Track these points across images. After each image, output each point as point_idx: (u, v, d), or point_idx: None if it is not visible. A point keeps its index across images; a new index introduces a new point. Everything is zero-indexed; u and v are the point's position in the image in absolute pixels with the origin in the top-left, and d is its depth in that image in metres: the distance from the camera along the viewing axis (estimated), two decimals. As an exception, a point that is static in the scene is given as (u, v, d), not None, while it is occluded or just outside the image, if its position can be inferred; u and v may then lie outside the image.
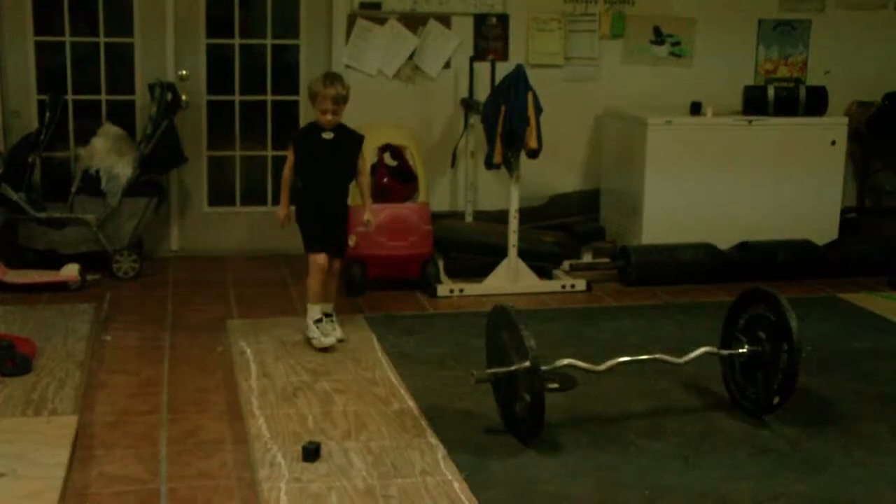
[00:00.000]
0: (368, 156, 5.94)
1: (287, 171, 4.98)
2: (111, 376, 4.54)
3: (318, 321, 4.88)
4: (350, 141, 4.98)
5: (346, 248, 5.12)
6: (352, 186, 5.13)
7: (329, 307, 4.98)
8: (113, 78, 6.55)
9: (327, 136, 4.89)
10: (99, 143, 6.12)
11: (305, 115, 6.74)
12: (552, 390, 4.14)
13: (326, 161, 4.93)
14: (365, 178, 5.08)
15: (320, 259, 4.89)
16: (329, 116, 4.86)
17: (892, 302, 5.88)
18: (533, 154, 5.75)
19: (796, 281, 6.23)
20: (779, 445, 3.89)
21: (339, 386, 4.38)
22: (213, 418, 4.10)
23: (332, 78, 4.92)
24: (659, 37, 7.01)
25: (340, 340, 4.89)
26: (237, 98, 6.71)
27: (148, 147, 6.10)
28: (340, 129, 4.93)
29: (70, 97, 6.45)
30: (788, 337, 3.96)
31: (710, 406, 4.27)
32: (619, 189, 6.79)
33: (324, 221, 4.95)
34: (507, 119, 5.64)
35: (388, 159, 6.20)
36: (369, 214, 5.08)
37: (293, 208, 5.04)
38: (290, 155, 4.98)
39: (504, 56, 6.69)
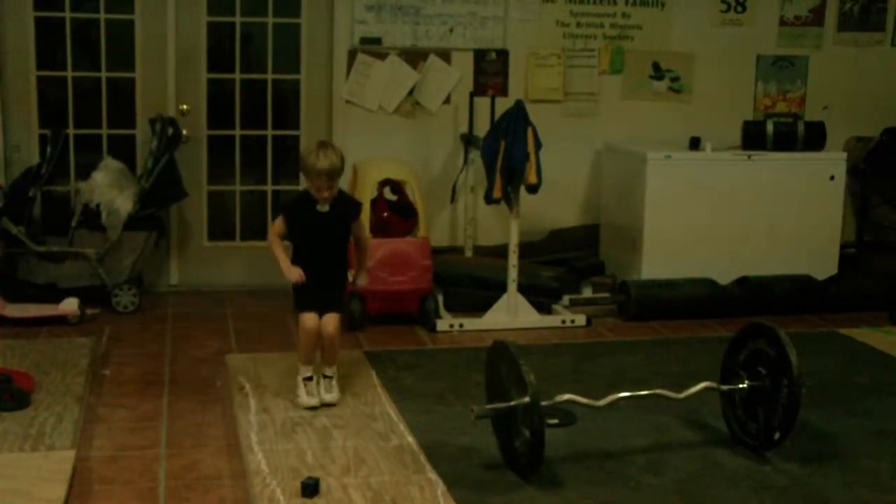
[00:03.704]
0: (368, 192, 5.97)
1: (273, 240, 4.60)
2: (110, 411, 4.53)
3: (308, 379, 4.56)
4: (347, 212, 4.63)
5: (341, 304, 4.72)
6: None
7: (329, 370, 4.62)
8: (114, 112, 6.57)
9: (322, 209, 4.51)
10: (99, 178, 6.13)
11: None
12: (552, 426, 4.12)
13: (321, 237, 4.56)
14: (364, 243, 4.78)
15: (308, 321, 4.53)
16: (325, 193, 4.47)
17: (893, 337, 5.87)
18: (532, 189, 5.76)
19: (796, 316, 6.22)
20: (780, 481, 3.87)
21: (338, 421, 4.36)
22: (212, 453, 4.09)
23: (325, 149, 4.48)
24: (658, 72, 7.04)
25: (329, 404, 4.53)
26: (238, 133, 6.73)
27: (148, 181, 6.12)
28: (336, 200, 4.56)
29: (71, 131, 6.47)
30: (789, 372, 3.95)
31: (710, 441, 4.25)
32: (618, 224, 6.80)
33: (316, 287, 4.55)
34: (506, 154, 5.65)
35: (387, 194, 6.22)
36: (361, 276, 4.79)
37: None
38: (277, 224, 4.59)
39: (504, 91, 6.72)
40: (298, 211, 4.59)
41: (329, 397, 4.56)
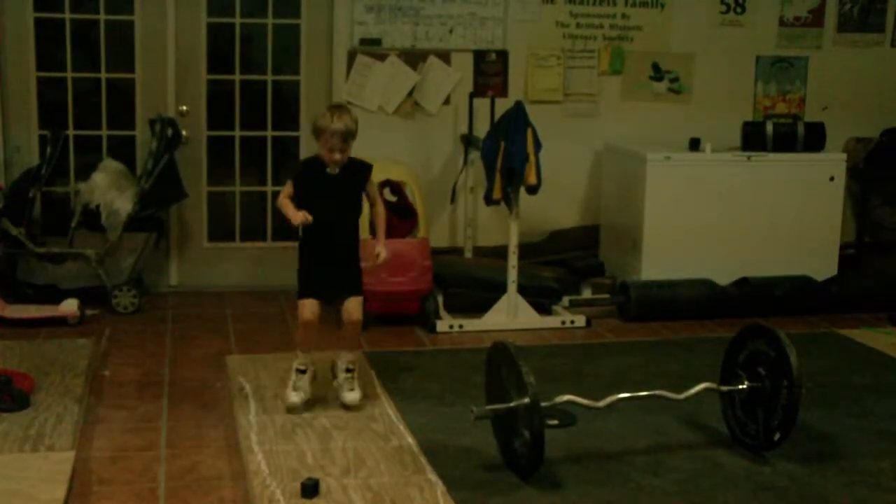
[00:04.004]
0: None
1: (281, 197, 4.44)
2: (109, 412, 4.53)
3: (301, 371, 4.43)
4: (357, 174, 4.46)
5: (361, 286, 4.51)
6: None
7: (350, 360, 4.46)
8: (114, 113, 6.57)
9: (332, 171, 4.37)
10: (99, 178, 6.13)
11: (306, 152, 6.76)
12: (552, 427, 4.12)
13: (331, 201, 4.36)
14: (379, 207, 4.58)
15: (307, 307, 4.37)
16: (337, 156, 4.32)
17: (892, 338, 5.87)
18: (532, 190, 5.76)
19: (796, 316, 6.22)
20: (780, 482, 3.87)
21: (338, 422, 4.36)
22: (212, 454, 4.09)
23: (339, 111, 4.35)
24: (658, 73, 7.04)
25: (350, 406, 4.40)
26: (237, 133, 6.73)
27: (148, 182, 6.12)
28: (347, 164, 4.41)
29: (71, 132, 6.47)
30: (788, 373, 3.95)
31: (710, 442, 4.25)
32: (618, 224, 6.80)
33: (325, 267, 4.42)
34: (506, 155, 5.66)
35: (387, 195, 6.21)
36: (382, 248, 4.50)
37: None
38: (286, 186, 4.46)
39: (503, 92, 6.72)
40: (307, 174, 4.44)
41: (351, 397, 4.42)
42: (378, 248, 4.50)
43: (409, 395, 4.74)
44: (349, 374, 4.46)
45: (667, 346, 5.72)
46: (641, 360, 5.40)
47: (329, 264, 4.41)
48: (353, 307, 4.43)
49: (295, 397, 4.39)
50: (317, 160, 4.42)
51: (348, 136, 4.31)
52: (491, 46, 6.76)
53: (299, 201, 4.38)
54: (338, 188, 4.39)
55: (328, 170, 4.36)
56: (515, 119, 5.70)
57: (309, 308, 4.39)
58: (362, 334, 5.61)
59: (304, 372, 4.45)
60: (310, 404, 4.47)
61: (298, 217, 4.28)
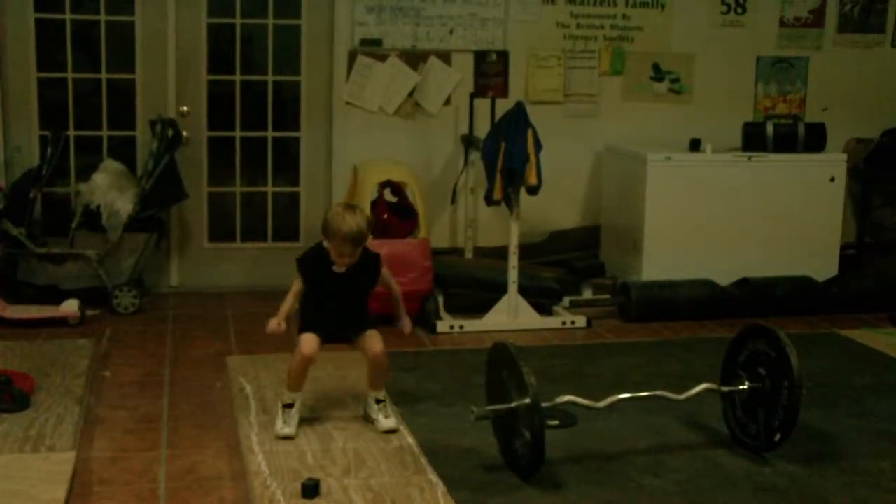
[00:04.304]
0: (368, 194, 5.96)
1: (291, 298, 4.24)
2: (110, 412, 4.52)
3: (288, 406, 4.21)
4: (367, 270, 4.24)
5: (373, 321, 4.32)
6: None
7: (379, 394, 4.29)
8: (114, 114, 6.57)
9: (339, 269, 4.14)
10: (100, 179, 6.13)
11: (306, 152, 6.77)
12: (552, 427, 4.12)
13: (339, 297, 4.21)
14: (396, 292, 4.39)
15: (307, 345, 4.15)
16: (346, 259, 4.10)
17: (893, 338, 5.87)
18: (533, 190, 5.76)
19: (796, 317, 6.22)
20: (780, 482, 3.87)
21: (338, 423, 4.36)
22: (213, 455, 4.08)
23: (352, 213, 4.07)
24: (658, 73, 7.04)
25: (390, 430, 4.19)
26: (238, 134, 6.73)
27: (149, 183, 6.12)
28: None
29: (71, 133, 6.48)
30: (789, 373, 3.95)
31: (710, 443, 4.25)
32: (619, 225, 6.80)
33: (328, 327, 4.24)
34: (507, 155, 5.66)
35: (388, 195, 6.22)
36: (407, 322, 4.41)
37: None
38: (296, 283, 4.23)
39: (504, 93, 6.70)
40: (313, 269, 4.20)
41: (388, 423, 4.21)
42: (404, 323, 4.41)
43: (409, 395, 4.74)
44: (380, 405, 4.27)
45: (667, 346, 5.72)
46: (642, 361, 5.40)
47: (337, 328, 4.26)
48: (372, 341, 4.22)
49: (287, 429, 4.17)
50: (323, 254, 4.15)
51: (360, 240, 4.08)
52: (491, 47, 6.75)
53: (306, 297, 4.24)
54: (347, 284, 4.20)
55: (335, 268, 4.14)
56: (516, 119, 5.70)
57: (309, 342, 4.16)
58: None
59: (291, 406, 4.23)
60: (310, 409, 4.42)
61: (272, 325, 4.17)
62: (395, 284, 4.41)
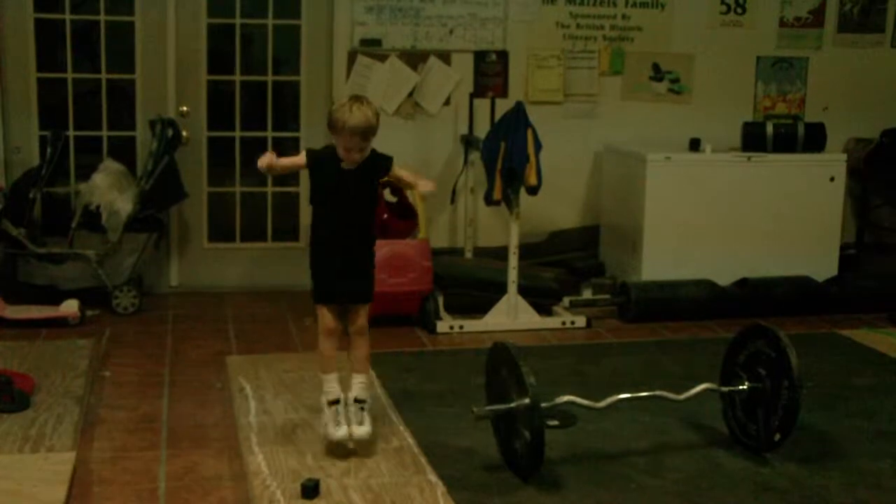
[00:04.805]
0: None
1: (288, 160, 4.00)
2: (110, 412, 4.53)
3: (334, 402, 3.96)
4: (376, 170, 3.99)
5: (372, 293, 4.09)
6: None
7: (361, 387, 4.02)
8: (114, 114, 6.58)
9: (347, 166, 3.91)
10: (100, 179, 6.13)
11: (306, 152, 6.77)
12: (552, 427, 4.12)
13: (345, 198, 3.93)
14: (407, 176, 4.12)
15: (326, 315, 3.98)
16: (355, 156, 3.86)
17: (893, 338, 5.87)
18: (532, 190, 5.76)
19: (796, 317, 6.22)
20: (780, 483, 3.87)
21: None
22: (212, 455, 4.09)
23: (359, 103, 3.84)
24: (658, 73, 7.05)
25: (360, 438, 3.93)
26: (237, 134, 6.73)
27: (148, 183, 6.12)
28: (365, 159, 3.95)
29: (71, 133, 6.47)
30: (789, 373, 3.95)
31: (710, 443, 4.25)
32: (618, 225, 6.80)
33: (337, 266, 3.97)
34: (506, 155, 5.66)
35: (387, 196, 6.22)
36: (425, 184, 4.11)
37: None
38: (298, 157, 4.02)
39: (504, 93, 6.72)
40: (322, 163, 3.93)
41: (360, 431, 3.94)
42: (423, 186, 4.10)
43: (409, 395, 4.74)
44: (359, 406, 4.01)
45: (667, 346, 5.72)
46: (641, 361, 5.40)
47: (343, 264, 3.97)
48: (360, 313, 4.02)
49: (340, 431, 3.92)
50: (333, 153, 3.92)
51: (369, 132, 3.84)
52: (491, 47, 6.76)
53: (311, 195, 4.01)
54: (354, 184, 3.93)
55: (343, 165, 3.90)
56: (516, 119, 5.70)
57: (329, 315, 3.98)
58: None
59: (337, 402, 3.97)
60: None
61: (265, 157, 3.88)
62: (407, 175, 4.11)
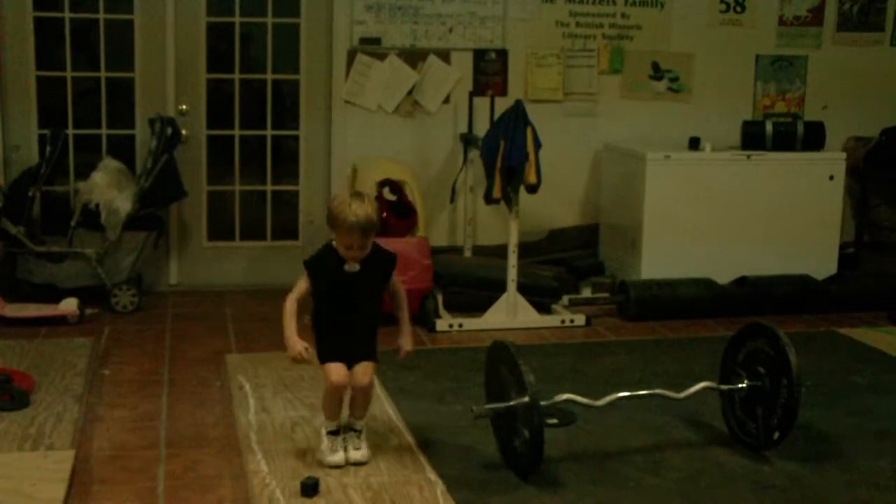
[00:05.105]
0: (367, 191, 5.94)
1: (290, 304, 3.89)
2: (109, 411, 4.53)
3: (333, 433, 3.94)
4: (380, 269, 3.91)
5: (376, 352, 3.98)
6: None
7: (358, 423, 3.99)
8: (113, 112, 6.57)
9: (351, 268, 3.81)
10: (99, 178, 6.12)
11: (305, 150, 6.77)
12: (551, 426, 4.12)
13: (350, 299, 3.86)
14: (402, 300, 4.01)
15: (336, 373, 3.85)
16: (356, 253, 3.77)
17: (892, 337, 5.87)
18: (532, 189, 5.76)
19: (795, 315, 6.22)
20: (779, 481, 3.87)
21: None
22: (212, 453, 4.09)
23: (360, 200, 3.76)
24: (657, 72, 7.04)
25: (358, 463, 3.90)
26: (237, 133, 6.73)
27: (148, 181, 6.11)
28: (368, 256, 3.84)
29: (70, 131, 6.47)
30: (788, 372, 3.95)
31: (709, 441, 4.25)
32: (618, 224, 6.80)
33: (343, 344, 3.90)
34: (506, 154, 5.65)
35: (387, 194, 6.22)
36: (406, 340, 4.00)
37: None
38: (301, 283, 3.89)
39: (503, 91, 6.71)
40: (323, 270, 3.87)
41: (358, 455, 3.92)
42: (402, 341, 4.00)
43: (408, 394, 4.75)
44: (356, 434, 3.98)
45: (666, 345, 5.72)
46: (641, 359, 5.40)
47: (348, 341, 3.91)
48: (363, 372, 3.90)
49: (336, 457, 3.90)
50: (333, 253, 3.83)
51: (370, 229, 3.75)
52: (490, 45, 6.76)
53: (314, 296, 3.91)
54: (358, 286, 3.85)
55: (347, 267, 3.81)
56: (515, 118, 5.70)
57: (336, 372, 3.86)
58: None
59: (336, 434, 3.95)
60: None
61: (296, 349, 3.80)
62: (402, 294, 4.02)
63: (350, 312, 3.89)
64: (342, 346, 3.89)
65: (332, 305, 3.88)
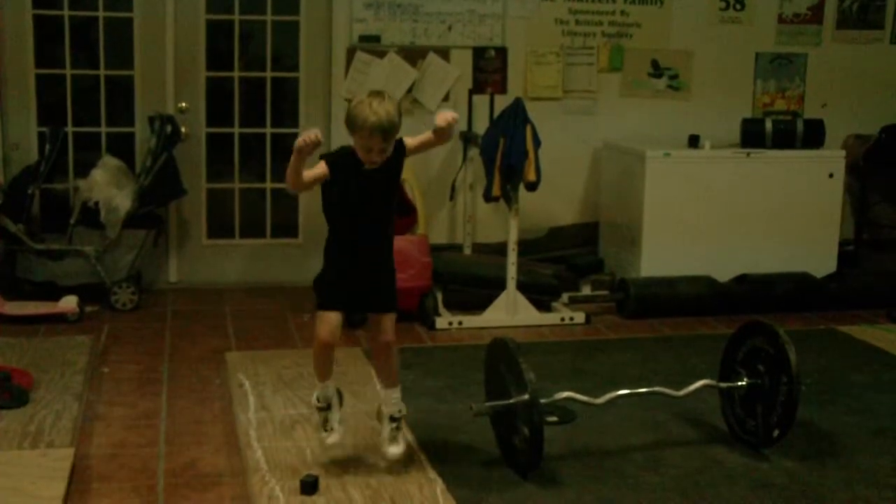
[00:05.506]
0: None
1: (306, 171, 3.60)
2: (109, 408, 4.53)
3: (323, 408, 3.78)
4: (394, 161, 3.62)
5: (396, 301, 3.77)
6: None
7: (392, 403, 3.81)
8: (113, 110, 6.57)
9: (369, 167, 3.57)
10: (98, 175, 6.12)
11: (304, 148, 6.76)
12: (551, 423, 4.13)
13: (366, 199, 3.61)
14: (425, 136, 3.67)
15: (325, 329, 3.62)
16: (375, 157, 3.52)
17: (891, 335, 5.87)
18: (531, 187, 5.77)
19: (795, 313, 6.22)
20: (779, 479, 3.87)
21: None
22: (211, 451, 4.09)
23: (379, 99, 3.48)
24: (657, 70, 7.04)
25: (396, 458, 3.77)
26: (236, 130, 6.73)
27: (147, 179, 6.11)
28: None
29: (70, 129, 6.47)
30: (787, 370, 3.95)
31: (709, 439, 4.25)
32: (617, 221, 6.80)
33: (356, 271, 3.65)
34: (505, 152, 5.66)
35: (386, 192, 6.20)
36: (444, 115, 3.59)
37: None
38: (317, 168, 3.64)
39: (503, 89, 6.71)
40: (341, 167, 3.59)
41: (395, 451, 3.78)
42: (441, 115, 3.61)
43: (408, 391, 4.70)
44: (395, 425, 3.80)
45: (666, 342, 5.73)
46: (640, 357, 5.41)
47: (361, 268, 3.66)
48: (385, 325, 3.71)
49: (332, 437, 3.81)
50: (351, 155, 3.59)
51: (391, 131, 3.48)
52: (490, 43, 6.75)
53: (326, 202, 3.69)
54: (375, 184, 3.60)
55: (365, 167, 3.56)
56: (514, 116, 5.70)
57: (329, 324, 3.62)
58: (360, 330, 5.60)
59: (328, 408, 3.80)
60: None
61: (309, 134, 3.48)
62: (423, 137, 3.67)
63: (368, 220, 3.62)
64: (353, 283, 3.63)
65: (346, 212, 3.60)
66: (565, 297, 6.36)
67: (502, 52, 6.77)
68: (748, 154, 6.57)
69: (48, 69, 6.45)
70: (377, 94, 3.53)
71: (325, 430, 3.82)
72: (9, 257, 6.08)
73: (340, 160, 3.62)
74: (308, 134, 3.48)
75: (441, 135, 3.62)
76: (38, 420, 4.25)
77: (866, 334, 5.88)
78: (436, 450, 4.04)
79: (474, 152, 6.40)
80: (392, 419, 3.82)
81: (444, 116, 3.59)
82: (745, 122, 6.77)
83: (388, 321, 3.72)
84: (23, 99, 6.41)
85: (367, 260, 3.67)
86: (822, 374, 5.04)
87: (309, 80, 6.73)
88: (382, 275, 3.72)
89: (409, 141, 3.67)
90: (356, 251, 3.65)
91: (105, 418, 4.41)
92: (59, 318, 5.76)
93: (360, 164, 3.55)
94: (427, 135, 3.66)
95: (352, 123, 3.50)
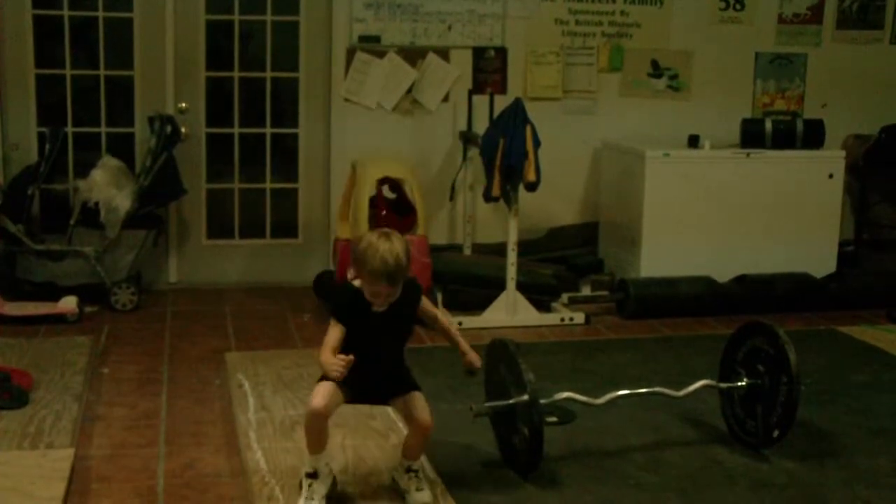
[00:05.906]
0: (366, 190, 5.93)
1: (327, 354, 3.40)
2: (108, 409, 4.53)
3: (311, 475, 3.53)
4: (407, 303, 3.52)
5: (417, 383, 3.64)
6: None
7: (415, 463, 3.65)
8: (113, 110, 6.57)
9: (379, 308, 3.44)
10: (98, 176, 6.12)
11: (304, 148, 6.77)
12: (551, 424, 4.12)
13: (379, 339, 3.50)
14: (443, 323, 3.71)
15: (319, 397, 3.42)
16: (382, 300, 3.40)
17: (891, 335, 5.87)
18: (531, 187, 5.76)
19: (795, 314, 6.22)
20: (778, 479, 3.87)
21: (336, 420, 4.30)
22: (211, 452, 4.09)
23: (388, 241, 3.37)
24: (657, 70, 7.04)
25: (424, 501, 3.55)
26: (236, 131, 6.73)
27: (147, 179, 6.11)
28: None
29: (70, 129, 6.47)
30: (787, 370, 3.95)
31: (709, 439, 4.25)
32: (617, 222, 6.80)
33: (363, 378, 3.50)
34: (505, 152, 5.66)
35: (386, 192, 6.21)
36: (473, 357, 3.71)
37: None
38: (332, 331, 3.45)
39: (503, 89, 6.72)
40: (351, 313, 3.46)
41: (421, 498, 3.56)
42: (469, 358, 3.71)
43: (408, 392, 4.73)
44: (413, 474, 3.62)
45: (666, 342, 5.72)
46: (640, 357, 5.40)
47: (374, 378, 3.57)
48: (420, 407, 3.55)
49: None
50: (360, 296, 3.44)
51: (398, 277, 3.36)
52: (490, 43, 6.76)
53: (343, 342, 3.48)
54: (387, 323, 3.48)
55: (375, 307, 3.44)
56: (514, 116, 5.70)
57: (325, 396, 3.42)
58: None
59: (315, 476, 3.55)
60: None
61: (334, 365, 3.37)
62: (442, 315, 3.71)
63: (380, 355, 3.54)
64: (361, 381, 3.49)
65: (358, 349, 3.44)
66: (565, 297, 6.36)
67: (502, 52, 6.77)
68: (748, 154, 6.57)
69: (48, 69, 6.45)
70: (385, 235, 3.41)
71: (305, 497, 3.51)
72: (8, 258, 6.07)
73: (349, 308, 3.47)
74: (338, 364, 3.37)
75: (462, 354, 3.73)
76: (38, 420, 4.25)
77: (866, 334, 5.88)
78: (435, 450, 4.02)
79: (474, 152, 6.40)
80: (409, 470, 3.64)
81: (474, 362, 3.72)
82: (745, 122, 6.77)
83: (421, 400, 3.57)
84: (23, 99, 6.42)
85: (381, 372, 3.59)
86: (822, 375, 5.04)
87: (309, 80, 6.73)
88: (395, 370, 3.63)
89: (425, 301, 3.61)
90: (368, 370, 3.51)
91: (105, 419, 4.41)
92: (59, 319, 5.76)
93: (369, 305, 3.44)
94: (451, 328, 3.73)
95: (360, 267, 3.40)
